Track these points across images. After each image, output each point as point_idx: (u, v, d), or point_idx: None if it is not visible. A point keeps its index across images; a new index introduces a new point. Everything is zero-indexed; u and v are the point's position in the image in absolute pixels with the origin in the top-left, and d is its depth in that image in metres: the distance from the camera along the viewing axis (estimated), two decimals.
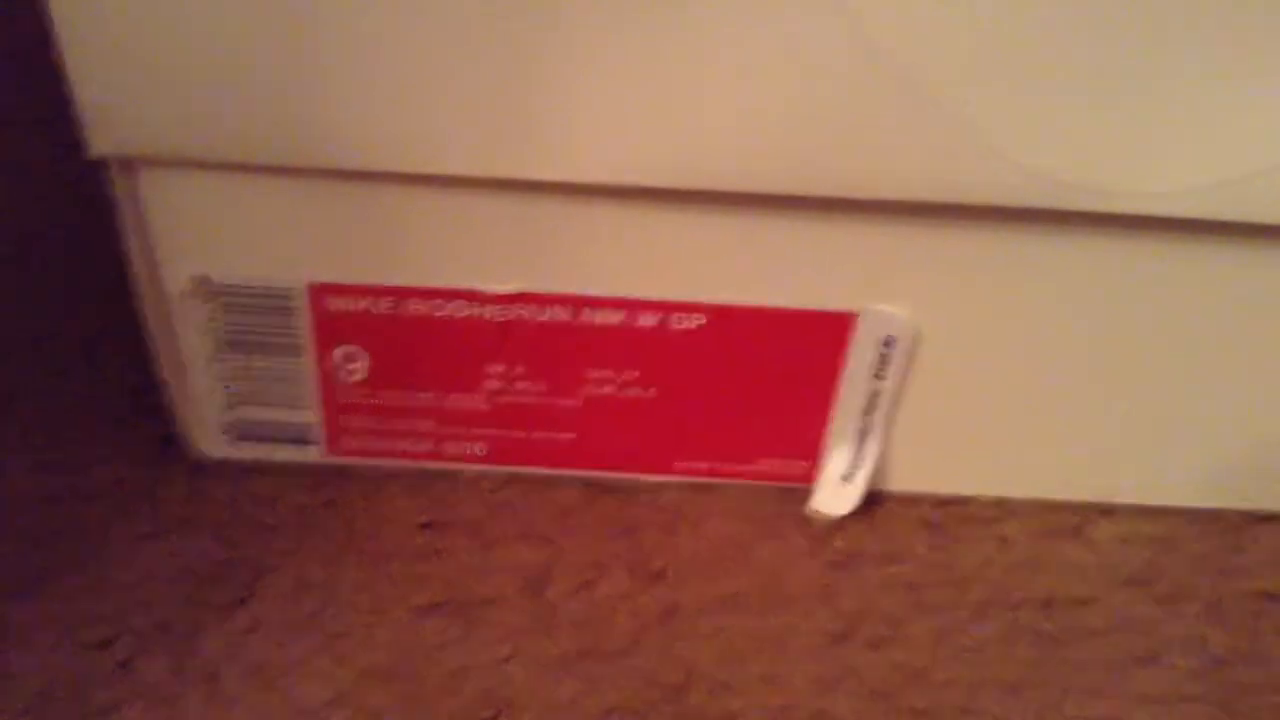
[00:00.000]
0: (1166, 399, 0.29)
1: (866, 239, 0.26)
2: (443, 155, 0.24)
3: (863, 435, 0.30)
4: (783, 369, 0.28)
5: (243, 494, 0.30)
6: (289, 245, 0.26)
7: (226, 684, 0.26)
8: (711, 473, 0.31)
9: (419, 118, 0.23)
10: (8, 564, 0.28)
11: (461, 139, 0.24)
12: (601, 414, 0.29)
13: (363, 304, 0.27)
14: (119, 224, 0.26)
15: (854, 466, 0.30)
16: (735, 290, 0.27)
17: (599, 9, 0.22)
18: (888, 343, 0.28)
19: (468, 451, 0.30)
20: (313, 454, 0.30)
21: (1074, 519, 0.31)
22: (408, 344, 0.28)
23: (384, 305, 0.27)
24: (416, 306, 0.27)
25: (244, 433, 0.30)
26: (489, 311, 0.27)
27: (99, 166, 0.25)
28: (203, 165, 0.25)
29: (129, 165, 0.25)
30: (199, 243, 0.26)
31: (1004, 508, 0.31)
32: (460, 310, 0.27)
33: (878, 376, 0.28)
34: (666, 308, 0.27)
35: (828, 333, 0.28)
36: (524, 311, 0.27)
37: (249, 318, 0.27)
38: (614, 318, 0.27)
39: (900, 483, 0.31)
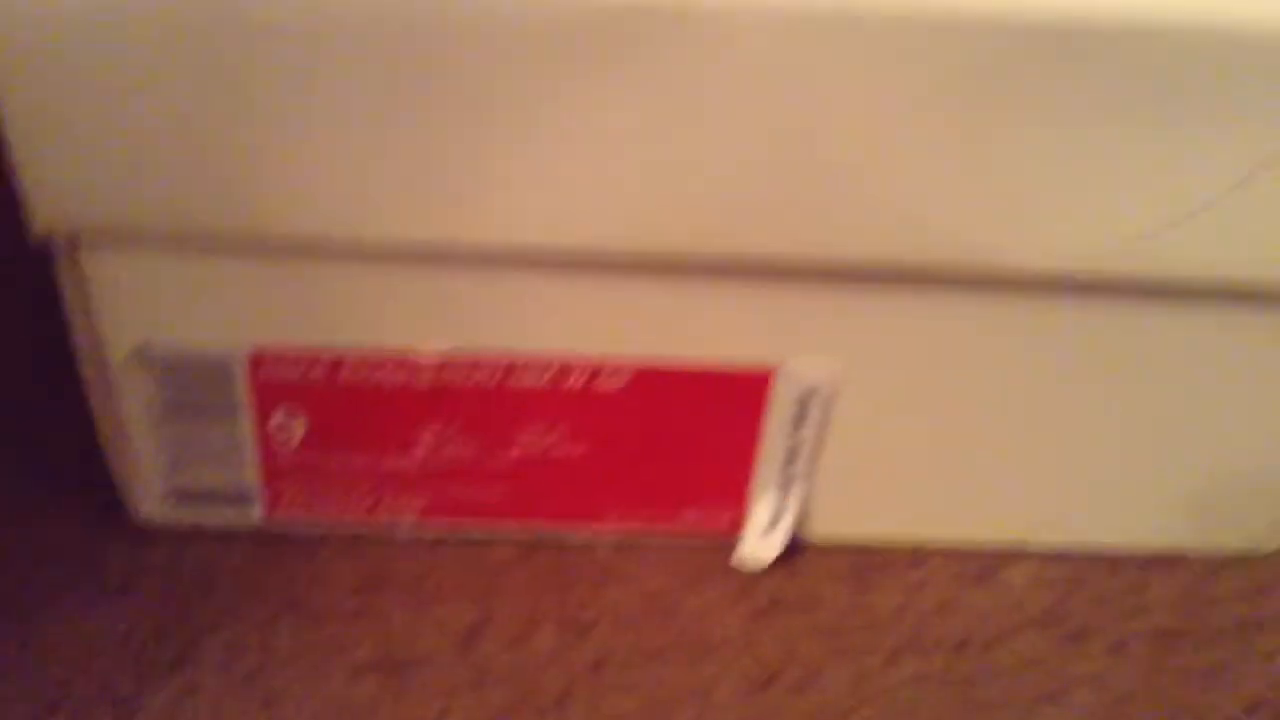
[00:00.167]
0: (1077, 446, 0.30)
1: (784, 297, 0.27)
2: (372, 220, 0.25)
3: (786, 486, 0.30)
4: (707, 424, 0.29)
5: (184, 557, 0.30)
6: (227, 315, 0.27)
7: None
8: (641, 527, 0.32)
9: (348, 187, 0.24)
10: None
11: (390, 204, 0.24)
12: (532, 472, 0.30)
13: (299, 370, 0.28)
14: (62, 295, 0.26)
15: (778, 516, 0.31)
16: (658, 347, 0.28)
17: (520, 85, 0.23)
18: (806, 397, 0.29)
19: (403, 512, 0.31)
20: (252, 516, 0.31)
21: (987, 563, 0.32)
22: (343, 408, 0.29)
23: (320, 371, 0.28)
24: (351, 372, 0.28)
25: (185, 497, 0.30)
26: (421, 376, 0.28)
27: (43, 243, 0.25)
28: (143, 240, 0.25)
29: (72, 241, 0.25)
30: (140, 314, 0.27)
31: (920, 553, 0.32)
32: (393, 375, 0.28)
33: (798, 429, 0.29)
34: (592, 368, 0.28)
35: (748, 388, 0.29)
36: (455, 375, 0.28)
37: (189, 385, 0.28)
38: (542, 378, 0.28)
39: (821, 530, 0.32)
